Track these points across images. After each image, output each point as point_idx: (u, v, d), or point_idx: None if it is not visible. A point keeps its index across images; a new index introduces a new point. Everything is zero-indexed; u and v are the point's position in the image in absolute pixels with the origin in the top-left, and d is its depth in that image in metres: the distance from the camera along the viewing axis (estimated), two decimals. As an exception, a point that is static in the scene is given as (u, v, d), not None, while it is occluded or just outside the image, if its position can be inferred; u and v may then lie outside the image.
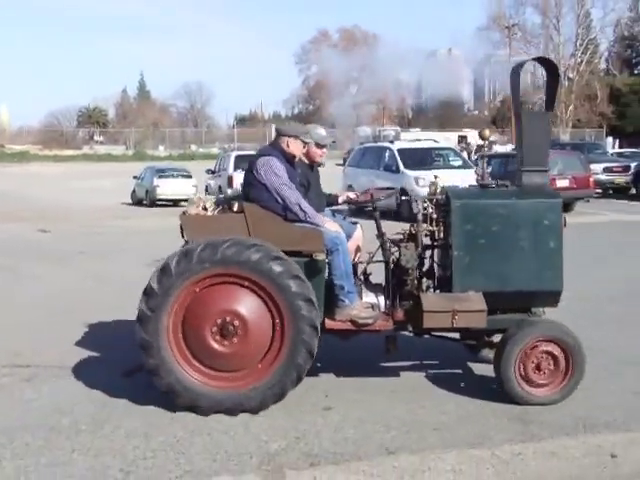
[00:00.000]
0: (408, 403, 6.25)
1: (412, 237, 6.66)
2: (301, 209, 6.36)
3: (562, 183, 22.51)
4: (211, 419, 5.86)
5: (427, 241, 6.84)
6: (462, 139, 59.30)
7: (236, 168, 25.13)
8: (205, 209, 6.50)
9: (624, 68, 76.96)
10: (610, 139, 57.61)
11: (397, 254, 6.64)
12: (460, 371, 7.28)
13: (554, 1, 71.16)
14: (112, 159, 73.79)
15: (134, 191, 34.52)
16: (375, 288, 6.83)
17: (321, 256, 6.21)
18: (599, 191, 27.30)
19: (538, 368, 6.28)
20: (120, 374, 6.85)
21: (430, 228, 6.70)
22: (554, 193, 7.04)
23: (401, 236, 6.75)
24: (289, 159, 6.68)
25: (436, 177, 7.03)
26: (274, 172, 6.39)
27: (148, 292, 5.84)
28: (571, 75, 71.34)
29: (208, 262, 5.84)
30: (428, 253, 6.97)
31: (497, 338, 6.71)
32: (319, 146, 7.08)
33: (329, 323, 6.35)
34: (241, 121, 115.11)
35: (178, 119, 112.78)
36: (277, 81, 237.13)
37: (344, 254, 6.41)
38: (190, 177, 32.60)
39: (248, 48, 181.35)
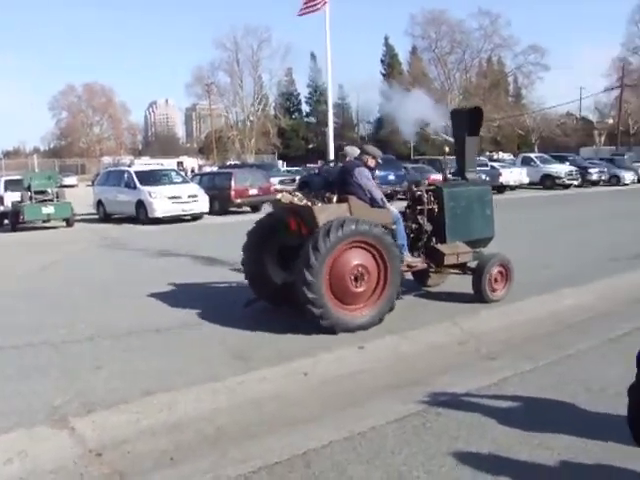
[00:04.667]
0: (159, 357, 5.96)
1: (421, 212, 7.91)
2: (382, 200, 7.43)
3: (253, 191, 22.86)
4: (3, 388, 5.25)
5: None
6: (180, 164, 58.79)
7: (5, 190, 22.85)
8: (300, 200, 7.13)
9: (286, 114, 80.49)
10: (280, 162, 59.75)
11: (416, 222, 7.90)
12: (196, 330, 7.03)
13: (237, 67, 72.60)
14: None
15: None
16: None
17: (394, 226, 7.28)
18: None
19: (495, 280, 7.85)
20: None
21: (430, 207, 7.92)
22: (486, 182, 10.26)
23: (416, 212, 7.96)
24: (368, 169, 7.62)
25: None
26: (366, 177, 7.39)
27: (317, 247, 6.35)
28: (252, 118, 73.14)
29: (355, 231, 6.55)
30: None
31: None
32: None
33: None
34: (7, 154, 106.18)
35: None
36: (36, 122, 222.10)
37: (402, 225, 7.57)
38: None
39: (10, 94, 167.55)
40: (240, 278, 8.21)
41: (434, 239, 7.94)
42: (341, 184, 7.44)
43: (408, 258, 7.53)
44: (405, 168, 29.78)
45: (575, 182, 34.26)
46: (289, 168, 42.13)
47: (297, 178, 31.34)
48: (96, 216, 23.15)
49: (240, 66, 72.96)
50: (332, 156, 33.74)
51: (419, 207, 7.92)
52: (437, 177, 28.55)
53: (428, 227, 7.89)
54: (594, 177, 35.98)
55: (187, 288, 9.18)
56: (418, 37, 64.89)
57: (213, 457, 4.10)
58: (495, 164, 35.40)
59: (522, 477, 3.61)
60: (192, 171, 44.71)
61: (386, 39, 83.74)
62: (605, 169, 37.31)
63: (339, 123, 68.29)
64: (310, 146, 79.05)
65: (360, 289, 6.65)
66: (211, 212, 21.47)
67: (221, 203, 22.51)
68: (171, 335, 6.74)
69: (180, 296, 8.58)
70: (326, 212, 6.72)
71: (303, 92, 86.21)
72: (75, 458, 4.13)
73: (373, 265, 6.74)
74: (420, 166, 32.36)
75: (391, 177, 26.98)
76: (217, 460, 4.04)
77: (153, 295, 8.60)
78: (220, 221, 20.76)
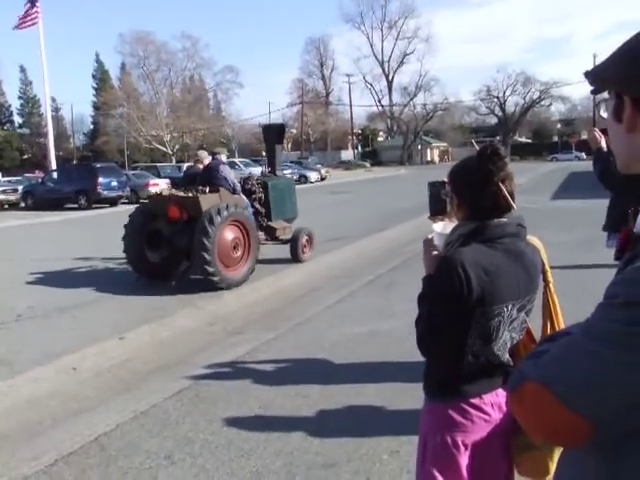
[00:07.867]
0: None
1: (255, 199, 9.37)
2: (239, 189, 8.88)
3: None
4: None
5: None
6: None
7: None
8: (174, 192, 8.63)
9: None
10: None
11: (253, 207, 9.23)
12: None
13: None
14: None
15: None
16: None
17: (248, 208, 8.79)
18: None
19: (305, 246, 9.65)
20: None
21: (260, 195, 9.46)
22: (289, 178, 12.45)
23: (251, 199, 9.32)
24: None
25: None
26: (229, 171, 8.93)
27: (205, 232, 7.53)
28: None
29: (229, 214, 7.85)
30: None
31: None
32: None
33: None
34: None
35: None
36: None
37: (250, 208, 8.95)
38: None
39: None
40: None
41: (265, 219, 9.50)
42: (209, 179, 8.62)
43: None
44: (126, 175, 28.79)
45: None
46: (9, 178, 37.68)
47: (20, 188, 28.38)
48: None
49: (-59, 75, 62.83)
50: (54, 165, 31.14)
51: (253, 196, 9.37)
52: (155, 181, 28.33)
53: (262, 210, 9.45)
54: (287, 177, 38.58)
55: None
56: (127, 55, 62.63)
57: (1, 461, 3.70)
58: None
59: (291, 424, 3.92)
60: None
61: (97, 55, 79.36)
62: (296, 170, 40.30)
63: (54, 134, 62.78)
64: (25, 157, 71.34)
65: (238, 254, 8.06)
66: None
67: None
68: None
69: None
70: (207, 201, 7.96)
71: (14, 104, 77.41)
72: None
73: (241, 236, 8.12)
74: (140, 172, 31.53)
75: (114, 183, 25.98)
76: (6, 462, 3.65)
77: None
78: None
